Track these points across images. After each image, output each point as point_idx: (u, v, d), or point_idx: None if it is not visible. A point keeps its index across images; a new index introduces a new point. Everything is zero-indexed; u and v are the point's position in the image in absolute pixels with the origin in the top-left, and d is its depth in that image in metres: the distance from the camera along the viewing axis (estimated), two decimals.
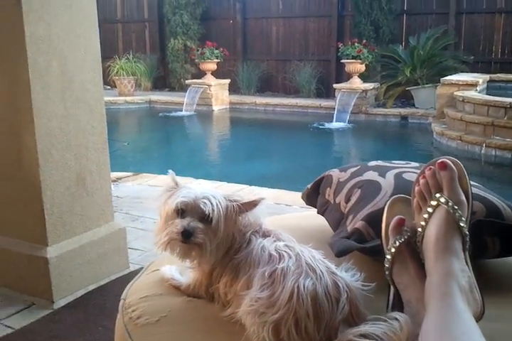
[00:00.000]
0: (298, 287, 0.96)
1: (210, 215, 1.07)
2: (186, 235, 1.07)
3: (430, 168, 1.08)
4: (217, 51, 10.53)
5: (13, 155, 2.30)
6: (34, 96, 2.19)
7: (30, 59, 2.15)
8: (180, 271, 1.27)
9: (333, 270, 1.03)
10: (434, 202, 1.04)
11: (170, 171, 1.18)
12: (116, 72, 11.00)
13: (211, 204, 1.08)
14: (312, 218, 1.62)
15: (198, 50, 10.59)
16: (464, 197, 1.04)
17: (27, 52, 2.14)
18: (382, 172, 1.36)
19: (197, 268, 1.17)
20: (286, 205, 3.62)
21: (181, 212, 1.09)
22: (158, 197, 1.16)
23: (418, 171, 1.28)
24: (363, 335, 0.90)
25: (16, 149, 2.28)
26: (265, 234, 1.12)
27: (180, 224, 1.07)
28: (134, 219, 3.43)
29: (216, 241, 1.08)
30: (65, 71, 2.30)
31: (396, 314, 0.93)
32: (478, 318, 0.94)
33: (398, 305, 1.03)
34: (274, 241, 1.09)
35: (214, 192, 1.12)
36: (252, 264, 1.05)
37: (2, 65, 2.23)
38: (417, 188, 1.09)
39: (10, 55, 2.20)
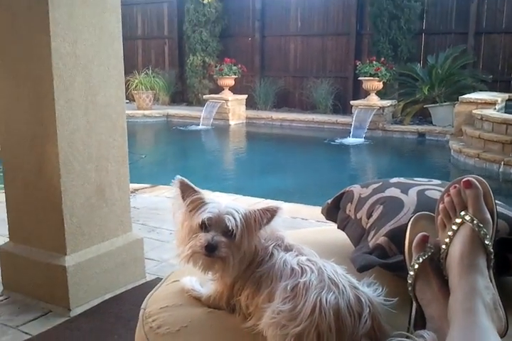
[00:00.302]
0: (320, 301, 0.96)
1: (234, 231, 1.08)
2: (210, 249, 1.07)
3: (455, 186, 1.08)
4: (235, 67, 10.63)
5: (35, 166, 2.34)
6: (58, 110, 2.23)
7: (55, 74, 2.20)
8: (201, 282, 1.28)
9: (355, 285, 1.03)
10: (459, 220, 1.04)
11: (178, 177, 1.16)
12: (135, 87, 11.13)
13: (235, 219, 1.09)
14: (332, 233, 1.62)
15: (216, 66, 10.70)
16: (489, 216, 1.04)
17: (52, 68, 2.19)
18: (405, 189, 1.37)
19: (218, 280, 1.18)
20: (303, 219, 3.63)
21: (205, 226, 1.10)
22: (175, 202, 1.16)
23: (441, 188, 1.29)
24: None
25: (38, 160, 2.32)
26: (287, 248, 1.12)
27: (204, 237, 1.08)
28: (150, 230, 3.45)
29: (239, 256, 1.09)
30: (89, 86, 2.34)
31: (424, 332, 0.93)
32: (502, 335, 0.94)
33: (420, 321, 1.03)
34: (297, 255, 1.09)
35: (237, 207, 1.12)
36: (274, 278, 1.06)
37: (28, 80, 2.27)
38: (441, 206, 1.10)
39: (36, 70, 2.24)
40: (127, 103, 10.96)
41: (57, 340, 2.11)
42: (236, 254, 1.09)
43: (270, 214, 1.11)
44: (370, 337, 0.96)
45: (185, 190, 1.15)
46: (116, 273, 2.53)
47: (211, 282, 1.21)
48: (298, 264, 1.06)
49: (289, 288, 1.01)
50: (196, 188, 1.16)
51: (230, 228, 1.08)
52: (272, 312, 1.00)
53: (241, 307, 1.12)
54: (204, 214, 1.10)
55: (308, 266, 1.05)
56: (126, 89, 10.68)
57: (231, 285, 1.14)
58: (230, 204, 1.14)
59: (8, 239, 2.57)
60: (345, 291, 0.99)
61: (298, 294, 0.99)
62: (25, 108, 2.31)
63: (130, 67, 11.23)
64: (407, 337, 0.92)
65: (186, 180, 1.16)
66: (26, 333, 2.18)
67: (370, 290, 1.03)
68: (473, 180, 1.07)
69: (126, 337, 2.06)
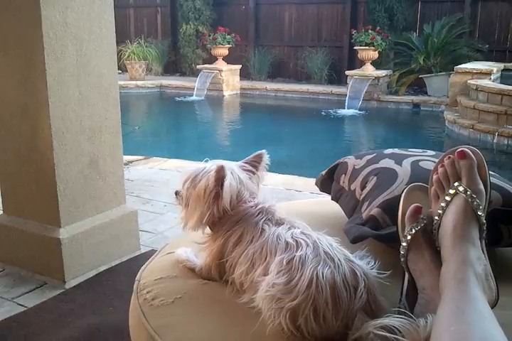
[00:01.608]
0: (317, 275, 0.96)
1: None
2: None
3: (449, 157, 1.08)
4: (229, 36, 10.49)
5: (27, 137, 2.31)
6: (49, 80, 2.19)
7: (46, 43, 2.15)
8: (196, 253, 1.28)
9: (350, 258, 1.02)
10: (452, 191, 1.04)
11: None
12: (128, 57, 10.99)
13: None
14: (325, 204, 1.62)
15: (209, 35, 10.56)
16: (482, 187, 1.04)
17: (43, 37, 2.14)
18: (399, 160, 1.36)
19: (208, 241, 1.18)
20: (297, 191, 3.63)
21: None
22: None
23: (434, 159, 1.28)
24: (383, 328, 0.90)
25: (30, 132, 2.30)
26: (278, 222, 1.12)
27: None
28: (144, 202, 3.46)
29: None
30: (80, 55, 2.30)
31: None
32: (493, 306, 0.95)
33: (412, 292, 1.04)
34: (289, 228, 1.09)
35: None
36: (269, 253, 1.05)
37: (18, 49, 2.23)
38: (435, 176, 1.09)
39: (26, 39, 2.20)
40: (120, 73, 10.83)
41: (53, 312, 2.13)
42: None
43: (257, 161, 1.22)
44: (365, 310, 0.96)
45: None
46: (111, 246, 2.54)
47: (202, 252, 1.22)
48: (292, 238, 1.05)
49: (284, 261, 1.00)
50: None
51: None
52: (266, 284, 0.99)
53: (235, 283, 1.11)
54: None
55: (303, 239, 1.04)
56: (119, 59, 10.51)
57: (221, 245, 1.14)
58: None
59: (1, 212, 2.56)
60: (341, 265, 0.99)
61: (293, 267, 0.98)
62: (16, 79, 2.28)
63: (122, 37, 11.05)
64: (407, 315, 0.92)
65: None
66: (22, 305, 2.20)
67: (364, 263, 1.03)
68: (468, 150, 1.06)
69: (121, 309, 2.07)
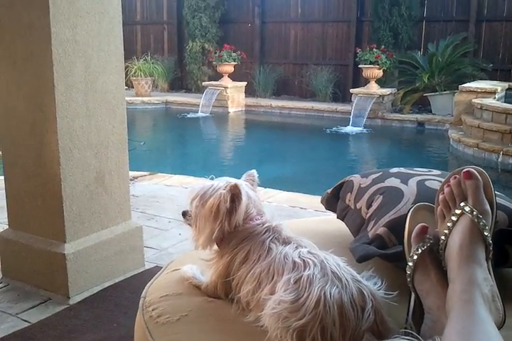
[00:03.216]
0: (324, 294, 0.95)
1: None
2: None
3: (455, 177, 1.08)
4: (234, 54, 10.57)
5: (34, 152, 2.33)
6: (58, 96, 2.22)
7: (55, 60, 2.18)
8: (202, 270, 1.28)
9: (358, 278, 1.02)
10: (458, 211, 1.04)
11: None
12: (134, 73, 11.08)
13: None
14: (331, 222, 1.63)
15: (215, 53, 10.65)
16: (488, 207, 1.04)
17: (52, 53, 2.17)
18: (405, 179, 1.37)
19: (214, 258, 1.18)
20: (301, 208, 3.63)
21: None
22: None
23: (440, 179, 1.29)
24: None
25: (37, 147, 2.32)
26: (285, 241, 1.12)
27: None
28: (149, 218, 3.46)
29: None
30: (88, 72, 2.33)
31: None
32: (500, 326, 0.95)
33: (419, 312, 1.04)
34: (296, 247, 1.09)
35: None
36: (276, 272, 1.05)
37: (27, 65, 2.26)
38: (441, 196, 1.10)
39: (35, 56, 2.23)
40: (126, 89, 10.90)
41: (57, 328, 2.12)
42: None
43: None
44: (373, 331, 0.96)
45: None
46: (116, 261, 2.54)
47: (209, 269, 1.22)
48: (299, 257, 1.05)
49: (292, 280, 1.00)
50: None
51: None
52: (273, 301, 0.99)
53: (241, 302, 1.11)
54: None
55: (310, 259, 1.04)
56: (125, 75, 10.62)
57: (227, 263, 1.14)
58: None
59: (7, 226, 2.57)
60: (349, 285, 0.99)
61: (301, 286, 0.98)
62: (24, 94, 2.30)
63: (129, 53, 11.11)
64: (414, 337, 0.91)
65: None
66: (25, 321, 2.19)
67: (371, 284, 1.03)
68: (474, 171, 1.07)
69: (125, 325, 2.07)
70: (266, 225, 1.15)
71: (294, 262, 1.04)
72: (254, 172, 1.25)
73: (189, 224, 1.21)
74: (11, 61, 2.31)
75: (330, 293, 0.96)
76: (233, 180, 1.17)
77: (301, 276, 1.00)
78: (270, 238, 1.12)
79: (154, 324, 1.16)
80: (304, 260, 1.04)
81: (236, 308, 1.13)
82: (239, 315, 1.10)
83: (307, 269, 1.01)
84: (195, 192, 1.19)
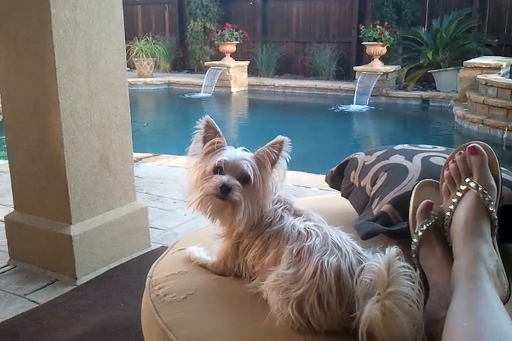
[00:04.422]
0: (322, 263, 0.98)
1: (251, 176, 1.09)
2: (225, 190, 1.07)
3: (460, 153, 1.08)
4: (236, 33, 10.50)
5: (38, 135, 2.33)
6: (59, 78, 2.20)
7: (55, 41, 2.16)
8: (208, 252, 1.29)
9: (359, 250, 1.04)
10: (463, 187, 1.04)
11: (206, 116, 1.17)
12: (136, 54, 11.02)
13: (251, 166, 1.10)
14: (336, 201, 1.63)
15: (217, 32, 10.57)
16: (493, 182, 1.04)
17: (53, 34, 2.15)
18: (409, 156, 1.36)
19: (225, 236, 1.18)
20: (306, 187, 3.63)
21: (220, 170, 1.10)
22: (195, 142, 1.17)
23: (445, 155, 1.28)
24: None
25: (41, 129, 2.31)
26: (296, 213, 1.14)
27: (219, 179, 1.08)
28: (154, 199, 3.47)
29: (251, 204, 1.10)
30: (90, 53, 2.31)
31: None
32: (505, 301, 0.95)
33: (424, 288, 1.04)
34: (305, 220, 1.11)
35: (249, 155, 1.14)
36: (282, 239, 1.08)
37: (28, 47, 2.24)
38: (446, 172, 1.09)
39: (36, 37, 2.21)
40: (128, 71, 10.83)
41: (65, 308, 2.14)
42: (248, 201, 1.09)
43: (278, 147, 1.13)
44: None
45: (209, 132, 1.16)
46: (122, 242, 2.55)
47: (217, 241, 1.22)
48: (305, 228, 1.08)
49: (294, 251, 1.03)
50: (220, 132, 1.16)
51: (247, 172, 1.09)
52: (276, 274, 1.02)
53: (246, 266, 1.14)
54: (221, 157, 1.10)
55: (314, 230, 1.07)
56: (127, 56, 10.54)
57: (236, 244, 1.16)
58: (245, 154, 1.15)
59: (13, 209, 2.58)
60: (348, 255, 1.01)
61: (302, 258, 1.01)
62: (26, 76, 2.29)
63: (130, 34, 11.06)
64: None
65: (213, 121, 1.17)
66: (34, 301, 2.22)
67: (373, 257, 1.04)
68: (479, 146, 1.06)
69: (132, 305, 2.09)
70: (276, 196, 1.16)
71: (299, 232, 1.07)
72: (284, 139, 1.13)
73: (235, 199, 1.10)
74: (12, 44, 2.29)
75: (327, 261, 0.98)
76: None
77: (303, 247, 1.03)
78: (282, 207, 1.14)
79: (161, 302, 1.16)
80: (308, 231, 1.06)
81: (243, 275, 1.16)
82: (244, 291, 1.11)
83: (309, 239, 1.04)
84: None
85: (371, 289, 0.91)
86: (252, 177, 1.09)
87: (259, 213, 1.11)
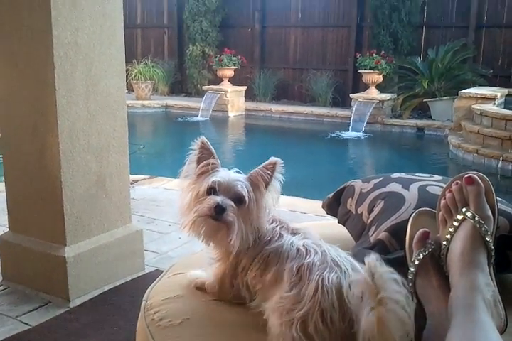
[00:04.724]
0: (322, 280, 0.99)
1: (245, 197, 1.09)
2: (219, 210, 1.07)
3: (457, 183, 1.09)
4: (234, 58, 10.60)
5: (35, 155, 2.33)
6: (59, 99, 2.22)
7: (56, 63, 2.19)
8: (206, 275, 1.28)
9: (358, 268, 1.05)
10: (460, 216, 1.05)
11: (202, 137, 1.17)
12: (134, 76, 11.09)
13: (245, 186, 1.10)
14: (332, 227, 1.63)
15: (215, 57, 10.67)
16: (490, 213, 1.05)
17: (54, 56, 2.18)
18: (406, 184, 1.37)
19: (220, 259, 1.18)
20: (301, 213, 3.63)
21: (213, 191, 1.10)
22: (189, 163, 1.17)
23: (442, 184, 1.30)
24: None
25: (38, 150, 2.32)
26: (294, 232, 1.15)
27: (213, 199, 1.08)
28: (149, 222, 3.46)
29: (245, 225, 1.10)
30: (90, 75, 2.33)
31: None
32: (502, 332, 0.95)
33: (420, 317, 1.04)
34: (303, 238, 1.12)
35: (242, 176, 1.14)
36: (282, 257, 1.08)
37: (29, 68, 2.26)
38: (443, 202, 1.10)
39: (37, 58, 2.23)
40: (126, 93, 10.90)
41: (57, 331, 2.12)
42: (241, 222, 1.09)
43: (271, 169, 1.14)
44: None
45: (204, 153, 1.17)
46: (116, 265, 2.53)
47: (212, 266, 1.22)
48: (303, 246, 1.08)
49: (294, 268, 1.04)
50: (215, 154, 1.17)
51: (241, 193, 1.09)
52: (279, 297, 1.02)
53: (247, 286, 1.13)
54: (215, 178, 1.11)
55: (312, 247, 1.08)
56: (125, 78, 10.62)
57: (234, 264, 1.15)
58: (238, 175, 1.15)
59: (7, 229, 2.57)
60: (347, 272, 1.02)
61: (302, 276, 1.02)
62: (26, 97, 2.31)
63: (129, 57, 11.06)
64: None
65: (208, 142, 1.17)
66: (26, 323, 2.19)
67: None
68: (476, 176, 1.08)
69: (125, 329, 2.07)
70: (270, 216, 1.16)
71: (298, 250, 1.08)
72: (277, 161, 1.14)
73: (229, 220, 1.10)
74: (13, 64, 2.31)
75: (328, 278, 0.99)
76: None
77: (303, 264, 1.04)
78: (279, 226, 1.15)
79: (156, 327, 1.16)
80: (306, 248, 1.07)
81: (243, 294, 1.15)
82: (242, 319, 1.11)
83: (308, 257, 1.05)
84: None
85: (364, 300, 0.90)
86: (246, 198, 1.09)
87: (253, 234, 1.11)
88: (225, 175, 1.13)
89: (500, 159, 6.01)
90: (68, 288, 2.32)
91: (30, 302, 2.36)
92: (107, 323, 2.18)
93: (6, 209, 2.54)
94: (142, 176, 4.72)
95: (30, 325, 2.17)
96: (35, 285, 2.43)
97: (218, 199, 1.08)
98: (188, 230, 1.13)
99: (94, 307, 2.31)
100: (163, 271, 1.47)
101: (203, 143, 1.17)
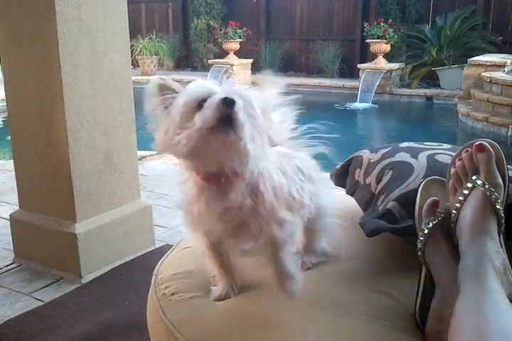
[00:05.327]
0: None
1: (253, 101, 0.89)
2: (229, 102, 0.83)
3: (467, 150, 1.07)
4: (240, 31, 10.48)
5: (43, 133, 2.33)
6: (64, 76, 2.20)
7: (60, 39, 2.16)
8: None
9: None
10: (470, 184, 1.03)
11: (155, 77, 0.96)
12: (140, 52, 11.02)
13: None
14: (340, 198, 1.62)
15: (221, 30, 10.56)
16: (500, 180, 1.03)
17: (58, 33, 2.15)
18: (415, 153, 1.35)
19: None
20: None
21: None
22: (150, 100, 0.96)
23: (451, 153, 1.28)
24: None
25: (46, 128, 2.31)
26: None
27: (213, 99, 0.85)
28: (158, 197, 3.47)
29: (260, 135, 0.89)
30: (94, 51, 2.31)
31: None
32: (511, 299, 0.94)
33: (430, 285, 1.03)
34: None
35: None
36: None
37: (33, 46, 2.24)
38: (453, 170, 1.09)
39: (41, 36, 2.21)
40: (132, 69, 10.84)
41: (69, 307, 2.15)
42: (256, 131, 0.88)
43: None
44: None
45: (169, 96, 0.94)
46: (126, 240, 2.55)
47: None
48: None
49: None
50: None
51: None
52: None
53: None
54: (203, 88, 0.90)
55: None
56: (130, 54, 10.54)
57: None
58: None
59: (18, 207, 2.58)
60: None
61: None
62: (31, 75, 2.29)
63: (134, 32, 10.98)
64: None
65: (167, 80, 0.96)
66: (39, 300, 2.22)
67: None
68: (486, 143, 1.06)
69: (136, 303, 2.09)
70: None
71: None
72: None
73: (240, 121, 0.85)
74: (17, 42, 2.29)
75: None
76: None
77: None
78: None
79: (167, 301, 1.16)
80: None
81: None
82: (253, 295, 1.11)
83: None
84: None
85: None
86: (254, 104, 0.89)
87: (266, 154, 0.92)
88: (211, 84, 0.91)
89: (510, 127, 5.95)
90: (79, 264, 2.34)
91: (43, 279, 2.38)
92: (119, 298, 2.20)
93: (16, 188, 2.55)
94: (150, 152, 4.72)
95: (43, 301, 2.20)
96: (47, 262, 2.46)
97: (220, 94, 0.85)
98: (186, 153, 0.87)
99: (105, 283, 2.34)
100: (172, 246, 1.47)
101: (160, 84, 0.95)
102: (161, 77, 0.96)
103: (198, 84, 0.93)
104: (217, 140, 0.85)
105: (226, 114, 0.83)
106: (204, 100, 0.87)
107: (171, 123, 0.90)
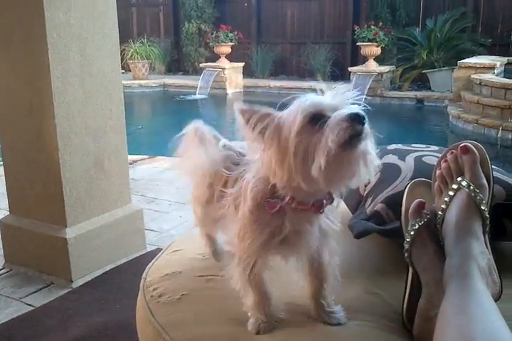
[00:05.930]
0: None
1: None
2: (360, 119, 0.81)
3: (452, 152, 1.08)
4: (231, 34, 10.49)
5: (32, 137, 2.33)
6: (54, 80, 2.20)
7: (50, 43, 2.17)
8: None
9: None
10: (455, 186, 1.04)
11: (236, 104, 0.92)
12: (131, 56, 11.00)
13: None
14: None
15: (212, 34, 10.57)
16: (485, 181, 1.04)
17: (47, 37, 2.16)
18: (402, 155, 1.37)
19: None
20: None
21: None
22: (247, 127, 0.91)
23: (438, 155, 1.29)
24: None
25: (35, 132, 2.31)
26: None
27: (339, 114, 0.80)
28: (149, 201, 3.47)
29: None
30: (84, 56, 2.31)
31: None
32: (496, 299, 0.96)
33: (417, 287, 1.04)
34: None
35: None
36: None
37: (23, 50, 2.24)
38: (438, 172, 1.10)
39: (31, 40, 2.21)
40: (123, 73, 10.80)
41: (60, 311, 2.14)
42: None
43: None
44: None
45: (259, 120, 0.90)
46: (117, 244, 2.55)
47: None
48: None
49: None
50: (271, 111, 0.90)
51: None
52: None
53: None
54: (314, 101, 0.84)
55: None
56: (122, 58, 10.51)
57: None
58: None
59: (8, 212, 2.58)
60: None
61: None
62: (21, 79, 2.29)
63: (125, 36, 11.06)
64: None
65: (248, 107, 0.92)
66: (29, 305, 2.21)
67: None
68: (471, 145, 1.07)
69: (128, 307, 2.07)
70: None
71: None
72: None
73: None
74: (7, 46, 2.29)
75: None
76: None
77: None
78: None
79: (155, 303, 1.16)
80: None
81: None
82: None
83: None
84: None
85: None
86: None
87: None
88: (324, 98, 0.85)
89: (500, 129, 5.99)
90: (70, 269, 2.34)
91: (33, 284, 2.38)
92: (110, 302, 2.20)
93: (6, 193, 2.54)
94: (141, 156, 4.72)
95: (33, 306, 2.19)
96: (37, 267, 2.45)
97: (342, 109, 0.81)
98: (313, 180, 0.80)
99: (96, 287, 2.33)
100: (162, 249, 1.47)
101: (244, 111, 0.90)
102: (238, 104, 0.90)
103: (308, 101, 0.87)
104: (348, 156, 0.82)
105: (358, 130, 0.80)
106: (318, 117, 0.82)
107: (282, 149, 0.84)
